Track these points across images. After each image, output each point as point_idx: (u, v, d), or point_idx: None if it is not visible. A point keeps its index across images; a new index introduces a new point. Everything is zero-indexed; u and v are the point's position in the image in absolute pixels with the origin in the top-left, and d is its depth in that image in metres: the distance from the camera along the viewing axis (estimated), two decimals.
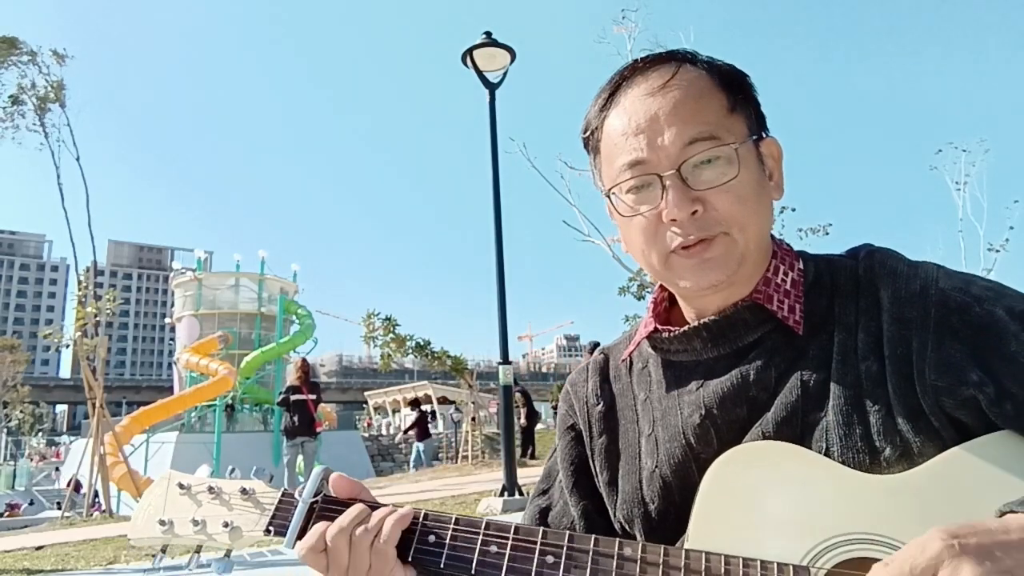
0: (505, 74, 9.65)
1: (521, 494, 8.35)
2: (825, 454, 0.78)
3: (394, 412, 39.38)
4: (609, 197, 0.88)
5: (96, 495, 12.51)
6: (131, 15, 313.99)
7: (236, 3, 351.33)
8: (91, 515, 11.68)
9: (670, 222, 0.82)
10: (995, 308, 0.78)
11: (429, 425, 17.36)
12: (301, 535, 0.83)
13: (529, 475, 9.44)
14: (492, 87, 9.52)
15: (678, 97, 0.83)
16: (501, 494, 8.40)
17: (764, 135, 0.89)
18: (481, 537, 0.80)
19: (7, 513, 20.88)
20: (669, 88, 0.84)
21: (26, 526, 14.23)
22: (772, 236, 0.91)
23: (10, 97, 14.52)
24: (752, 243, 0.84)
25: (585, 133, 0.92)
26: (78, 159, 15.03)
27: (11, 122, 14.66)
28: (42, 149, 14.81)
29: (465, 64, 9.55)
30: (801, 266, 0.89)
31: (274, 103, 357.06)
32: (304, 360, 11.86)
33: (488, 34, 9.50)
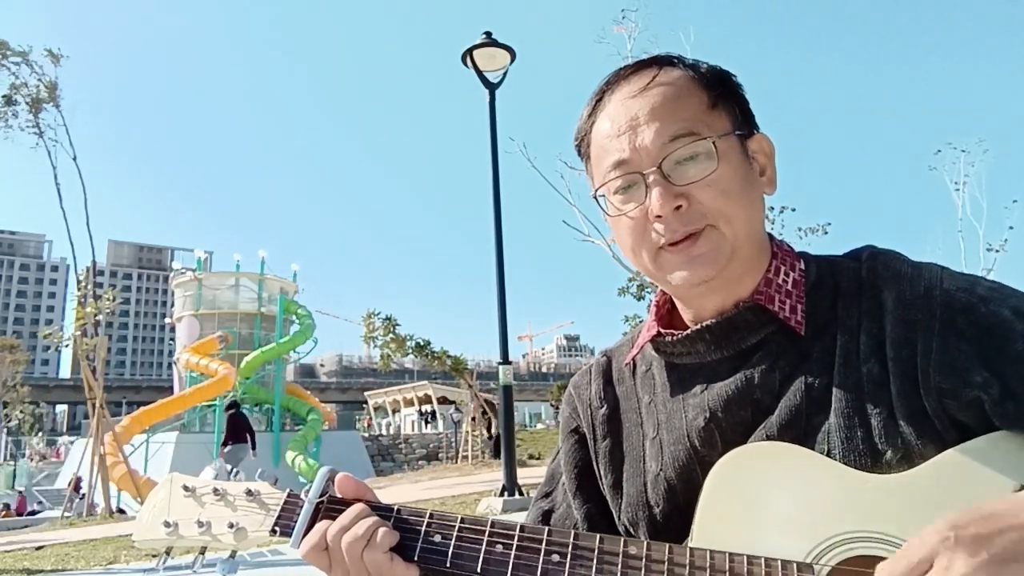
0: (505, 74, 9.66)
1: (521, 494, 8.36)
2: (827, 456, 0.78)
3: (394, 412, 39.41)
4: (598, 199, 0.90)
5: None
6: (131, 14, 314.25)
7: (237, 4, 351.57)
8: (93, 514, 11.68)
9: (655, 219, 0.83)
10: (1001, 308, 0.77)
11: (247, 430, 13.91)
12: (307, 535, 0.83)
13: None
14: (492, 87, 9.54)
15: (657, 97, 0.85)
16: (501, 494, 8.42)
17: (752, 131, 0.90)
18: (486, 536, 0.79)
19: (3, 513, 20.91)
20: (649, 89, 0.86)
21: (26, 526, 14.23)
22: (771, 236, 0.92)
23: (3, 97, 14.47)
24: (741, 235, 0.84)
25: (576, 140, 0.94)
26: (75, 159, 15.02)
27: (4, 123, 14.62)
28: (37, 149, 14.78)
29: (465, 64, 9.56)
30: (802, 267, 0.89)
31: (274, 103, 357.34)
32: None
33: (488, 34, 9.51)
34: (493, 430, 18.57)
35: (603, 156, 0.87)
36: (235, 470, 11.94)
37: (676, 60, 0.89)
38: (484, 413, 19.21)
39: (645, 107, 0.84)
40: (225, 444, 13.45)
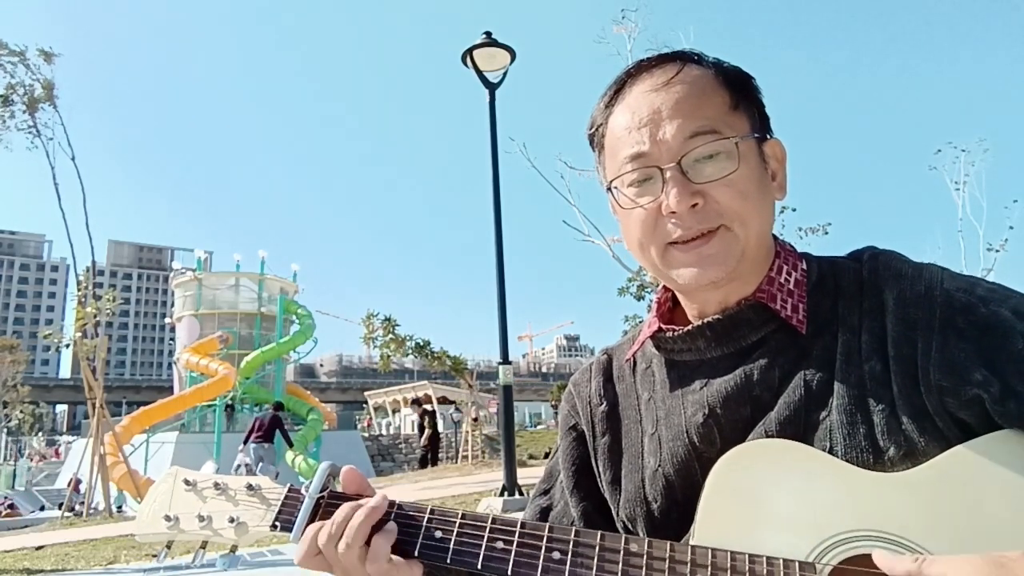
0: (505, 74, 9.65)
1: (521, 494, 8.36)
2: (828, 453, 0.78)
3: (394, 412, 39.38)
4: (611, 191, 0.89)
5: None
6: (131, 12, 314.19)
7: (236, 3, 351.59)
8: (92, 513, 11.66)
9: (670, 215, 0.83)
10: (1001, 308, 0.78)
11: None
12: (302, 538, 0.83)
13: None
14: (492, 87, 9.53)
15: (681, 93, 0.84)
16: (501, 494, 8.41)
17: (768, 136, 0.89)
18: (487, 533, 0.80)
19: (6, 513, 20.84)
20: (672, 84, 0.85)
21: (26, 526, 14.21)
22: (775, 236, 0.92)
23: (0, 97, 14.45)
24: (752, 238, 0.84)
25: (590, 129, 0.93)
26: (73, 159, 15.00)
27: (1, 122, 14.60)
28: (34, 149, 14.75)
29: (465, 64, 9.56)
30: (804, 267, 0.90)
31: (274, 104, 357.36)
32: None
33: (488, 34, 9.51)
34: (424, 440, 18.59)
35: (620, 147, 0.86)
36: (260, 463, 12.70)
37: (699, 57, 0.89)
38: (423, 425, 19.21)
39: (668, 101, 0.84)
40: (247, 440, 13.86)
